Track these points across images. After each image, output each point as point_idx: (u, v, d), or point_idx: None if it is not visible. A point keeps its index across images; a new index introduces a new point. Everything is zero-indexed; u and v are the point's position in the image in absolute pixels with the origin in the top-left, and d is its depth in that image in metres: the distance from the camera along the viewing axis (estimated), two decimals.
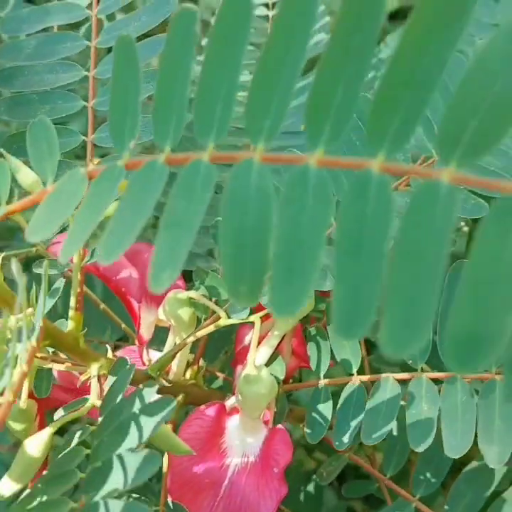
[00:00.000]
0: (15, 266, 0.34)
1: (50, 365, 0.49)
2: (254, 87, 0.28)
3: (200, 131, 0.30)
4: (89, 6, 0.55)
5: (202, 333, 0.50)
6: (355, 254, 0.25)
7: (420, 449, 0.51)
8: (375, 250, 0.25)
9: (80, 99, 0.52)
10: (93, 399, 0.46)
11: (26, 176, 0.42)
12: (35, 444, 0.43)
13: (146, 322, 0.55)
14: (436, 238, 0.23)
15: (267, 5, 0.81)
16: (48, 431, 0.44)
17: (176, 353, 0.52)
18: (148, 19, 0.52)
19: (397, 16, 2.42)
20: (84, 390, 0.52)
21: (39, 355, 0.49)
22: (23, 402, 0.48)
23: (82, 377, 0.48)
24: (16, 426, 0.49)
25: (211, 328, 0.49)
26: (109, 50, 0.54)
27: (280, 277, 0.26)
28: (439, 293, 0.22)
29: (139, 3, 0.72)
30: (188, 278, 0.55)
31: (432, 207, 0.24)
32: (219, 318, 0.48)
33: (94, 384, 0.48)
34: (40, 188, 0.40)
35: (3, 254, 0.42)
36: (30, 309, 0.40)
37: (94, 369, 0.48)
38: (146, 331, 0.55)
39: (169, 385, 0.51)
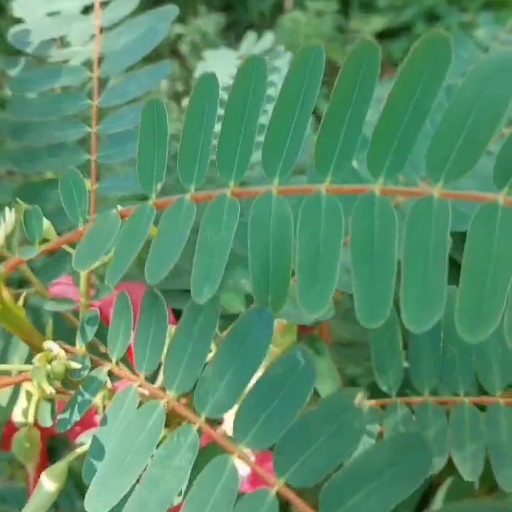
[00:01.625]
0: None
1: (53, 396, 0.53)
2: (269, 135, 0.34)
3: (223, 172, 0.36)
4: (91, 68, 0.60)
5: None
6: (367, 257, 0.31)
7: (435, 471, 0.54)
8: (385, 254, 0.31)
9: (85, 152, 0.57)
10: None
11: None
12: (53, 475, 0.47)
13: None
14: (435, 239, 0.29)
15: None
16: (64, 464, 0.47)
17: None
18: (146, 80, 0.57)
19: (384, 35, 2.55)
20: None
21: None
22: (30, 428, 0.52)
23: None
24: (23, 450, 0.53)
25: None
26: (110, 109, 0.59)
27: (306, 283, 0.32)
28: (445, 281, 0.28)
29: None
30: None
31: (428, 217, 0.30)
32: None
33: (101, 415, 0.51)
34: (54, 232, 0.45)
35: (24, 292, 0.47)
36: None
37: (98, 399, 0.52)
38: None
39: None
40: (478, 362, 0.56)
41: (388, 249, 0.31)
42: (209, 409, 0.35)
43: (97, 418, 0.52)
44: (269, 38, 0.91)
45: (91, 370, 0.42)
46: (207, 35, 2.32)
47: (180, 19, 2.51)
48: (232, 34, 2.63)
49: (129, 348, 0.55)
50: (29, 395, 0.54)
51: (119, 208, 0.39)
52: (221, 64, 0.90)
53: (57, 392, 0.53)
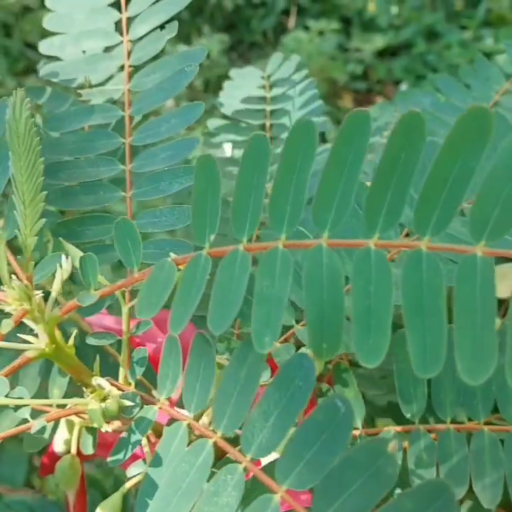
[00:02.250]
0: None
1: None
2: (320, 192, 0.37)
3: (274, 226, 0.38)
4: (122, 106, 0.61)
5: None
6: (418, 311, 0.33)
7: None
8: (435, 309, 0.33)
9: (120, 190, 0.58)
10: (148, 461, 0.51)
11: None
12: (109, 509, 0.49)
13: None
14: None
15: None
16: (118, 496, 0.49)
17: None
18: (177, 122, 0.58)
19: (384, 53, 2.59)
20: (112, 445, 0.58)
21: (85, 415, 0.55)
22: (73, 456, 0.54)
23: None
24: (66, 478, 0.55)
25: None
26: (143, 146, 0.61)
27: (360, 337, 0.34)
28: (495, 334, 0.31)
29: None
30: None
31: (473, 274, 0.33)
32: None
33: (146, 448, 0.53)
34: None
35: (75, 332, 0.49)
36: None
37: None
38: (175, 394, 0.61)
39: None
40: (499, 391, 0.59)
41: (437, 305, 0.33)
42: (254, 450, 0.37)
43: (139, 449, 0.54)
44: (294, 60, 0.92)
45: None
46: (211, 54, 2.35)
47: (185, 39, 2.55)
48: (234, 53, 2.67)
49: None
50: (71, 425, 0.57)
51: (173, 255, 0.42)
52: (247, 84, 0.91)
53: None
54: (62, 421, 0.58)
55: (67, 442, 0.58)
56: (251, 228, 0.39)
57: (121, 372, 0.52)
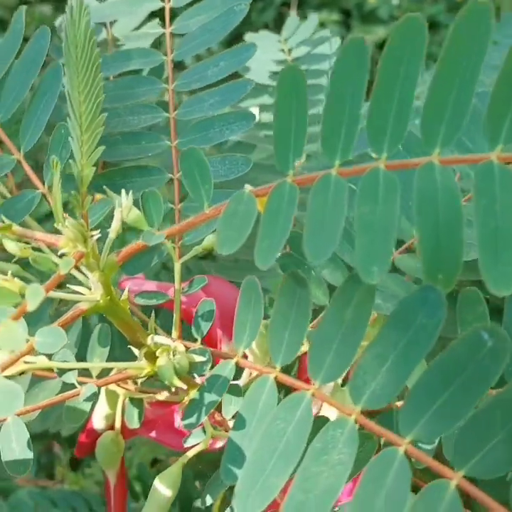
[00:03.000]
0: None
1: (143, 396, 0.49)
2: (430, 101, 0.32)
3: (374, 145, 0.34)
4: (164, 50, 0.57)
5: None
6: None
7: None
8: None
9: (164, 139, 0.53)
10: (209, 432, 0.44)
11: (131, 212, 0.43)
12: (168, 481, 0.44)
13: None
14: None
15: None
16: (177, 468, 0.44)
17: None
18: (227, 64, 0.54)
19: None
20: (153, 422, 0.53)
21: (129, 386, 0.50)
22: (117, 431, 0.50)
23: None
24: (110, 455, 0.51)
25: None
26: (188, 93, 0.56)
27: (487, 262, 0.30)
28: None
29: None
30: None
31: None
32: None
33: None
34: (144, 222, 0.42)
35: (126, 289, 0.44)
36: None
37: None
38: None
39: None
40: None
41: None
42: (366, 399, 0.33)
43: (177, 416, 0.49)
44: (313, 19, 0.85)
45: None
46: (210, 48, 2.29)
47: None
48: None
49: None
50: (112, 398, 0.51)
51: (249, 187, 0.37)
52: (264, 49, 0.82)
53: (142, 391, 0.50)
54: (103, 394, 0.52)
55: (109, 417, 0.53)
56: (345, 149, 0.34)
57: (174, 332, 0.47)
